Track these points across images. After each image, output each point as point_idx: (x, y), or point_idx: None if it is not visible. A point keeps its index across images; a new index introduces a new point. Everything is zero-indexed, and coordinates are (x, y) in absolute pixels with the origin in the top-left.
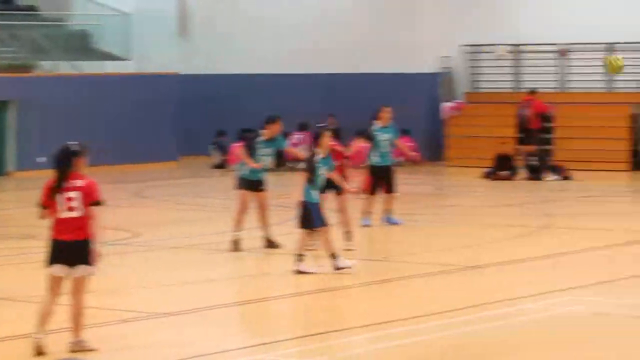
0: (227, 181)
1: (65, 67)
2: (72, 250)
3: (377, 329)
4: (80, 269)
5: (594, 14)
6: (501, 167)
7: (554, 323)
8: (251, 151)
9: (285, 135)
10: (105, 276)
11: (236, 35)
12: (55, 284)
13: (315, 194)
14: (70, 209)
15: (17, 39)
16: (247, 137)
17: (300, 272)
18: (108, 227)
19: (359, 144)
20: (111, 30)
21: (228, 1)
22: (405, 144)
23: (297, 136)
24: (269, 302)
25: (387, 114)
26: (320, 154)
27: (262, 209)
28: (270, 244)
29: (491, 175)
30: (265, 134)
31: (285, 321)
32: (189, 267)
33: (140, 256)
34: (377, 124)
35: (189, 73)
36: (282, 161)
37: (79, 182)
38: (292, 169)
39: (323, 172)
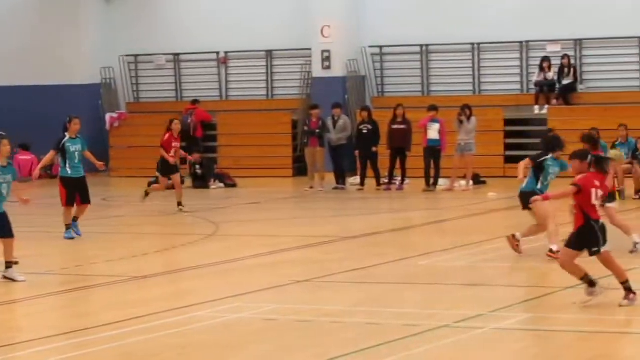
0: None
1: None
2: None
3: (44, 343)
4: None
5: (253, 23)
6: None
7: (224, 330)
8: None
9: None
10: None
11: None
12: None
13: None
14: None
15: None
16: None
17: (6, 279)
18: None
19: (50, 157)
20: None
21: None
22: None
23: None
24: None
25: (76, 125)
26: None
27: None
28: None
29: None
30: None
31: None
32: None
33: None
34: (67, 136)
35: None
36: None
37: None
38: None
39: (9, 181)
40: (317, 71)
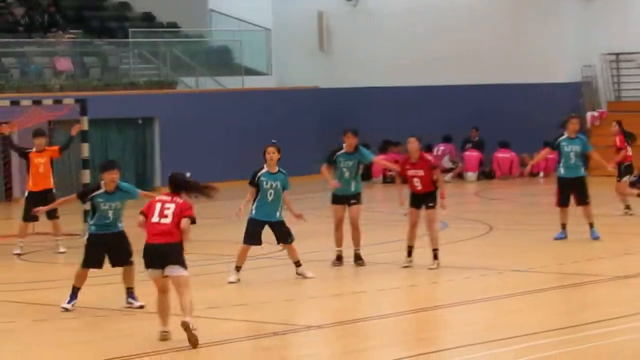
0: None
1: (207, 83)
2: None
3: (527, 340)
4: None
5: None
6: None
7: None
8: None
9: (429, 147)
10: (253, 291)
11: (373, 49)
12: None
13: None
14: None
15: (159, 56)
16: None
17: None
18: None
19: (544, 154)
20: (251, 45)
21: (364, 15)
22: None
23: (441, 147)
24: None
25: (574, 125)
26: None
27: (353, 224)
28: (357, 259)
29: None
30: (345, 146)
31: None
32: (335, 279)
33: (286, 269)
34: (564, 135)
35: (329, 87)
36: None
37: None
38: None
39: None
40: None
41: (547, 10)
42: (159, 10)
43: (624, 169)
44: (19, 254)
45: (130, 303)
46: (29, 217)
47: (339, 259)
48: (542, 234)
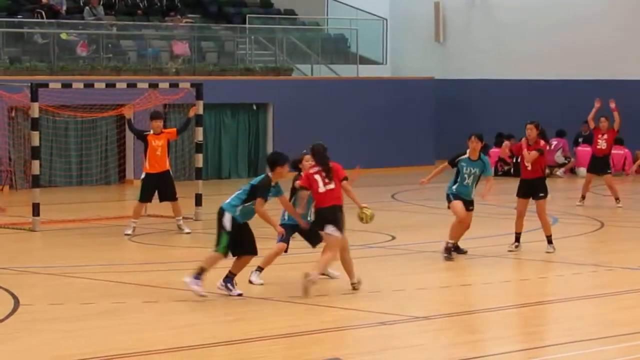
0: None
1: (321, 71)
2: None
3: (635, 338)
4: None
5: None
6: None
7: None
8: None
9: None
10: (364, 279)
11: (489, 41)
12: None
13: None
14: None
15: (275, 42)
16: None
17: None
18: (365, 230)
19: None
20: (367, 34)
21: (481, 7)
22: None
23: (554, 142)
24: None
25: None
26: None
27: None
28: (458, 250)
29: None
30: (469, 152)
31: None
32: (444, 271)
33: (396, 259)
34: None
35: (444, 78)
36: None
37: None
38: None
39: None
40: None
41: None
42: None
43: None
44: (129, 235)
45: (228, 288)
46: (145, 198)
47: (451, 250)
48: None
